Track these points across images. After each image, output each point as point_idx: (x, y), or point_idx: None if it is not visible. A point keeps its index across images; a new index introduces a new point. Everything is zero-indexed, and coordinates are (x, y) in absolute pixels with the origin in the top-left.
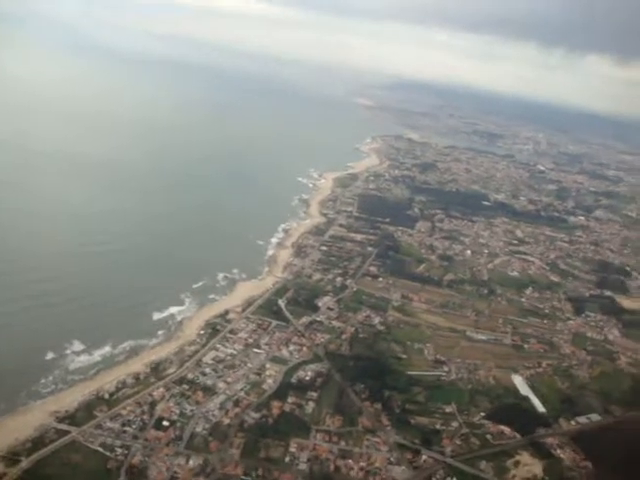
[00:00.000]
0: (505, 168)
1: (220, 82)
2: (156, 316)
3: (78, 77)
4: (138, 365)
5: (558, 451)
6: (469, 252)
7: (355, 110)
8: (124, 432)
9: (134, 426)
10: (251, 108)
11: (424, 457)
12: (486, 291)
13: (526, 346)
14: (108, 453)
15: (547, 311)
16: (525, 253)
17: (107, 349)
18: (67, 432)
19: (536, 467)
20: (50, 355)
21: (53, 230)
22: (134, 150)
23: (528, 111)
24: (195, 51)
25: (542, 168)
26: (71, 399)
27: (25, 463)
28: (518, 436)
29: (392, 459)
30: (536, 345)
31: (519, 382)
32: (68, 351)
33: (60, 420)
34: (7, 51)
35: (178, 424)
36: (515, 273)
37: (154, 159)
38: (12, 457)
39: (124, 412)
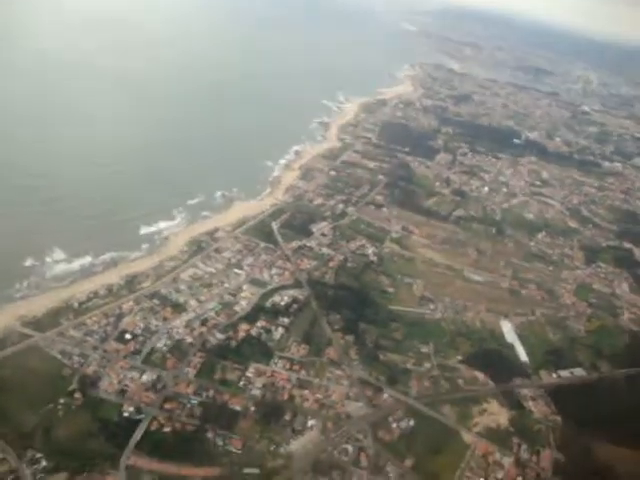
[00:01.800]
0: (546, 106)
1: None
2: (143, 230)
3: None
4: (114, 276)
5: (530, 403)
6: (486, 189)
7: (398, 35)
8: (85, 342)
9: (96, 336)
10: (293, 24)
11: (385, 395)
12: (494, 231)
13: (523, 292)
14: (65, 360)
15: (555, 258)
16: (546, 196)
17: (87, 259)
18: (30, 336)
19: (502, 417)
20: (29, 261)
21: (61, 138)
22: (162, 62)
23: (583, 47)
24: None
25: (586, 109)
26: (40, 305)
27: None
28: (491, 384)
29: (351, 394)
30: (534, 291)
31: (507, 328)
32: (48, 258)
33: (25, 324)
34: None
35: (140, 338)
36: (530, 215)
37: (183, 72)
38: None
39: (89, 322)
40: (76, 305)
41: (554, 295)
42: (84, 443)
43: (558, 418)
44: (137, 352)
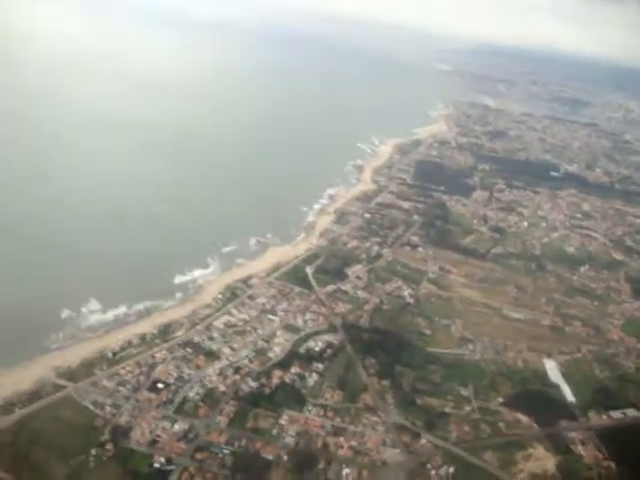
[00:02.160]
0: (585, 137)
1: (294, 45)
2: (178, 279)
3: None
4: (147, 326)
5: (579, 447)
6: (525, 224)
7: (432, 75)
8: (118, 391)
9: (129, 386)
10: (324, 70)
11: (423, 441)
12: (534, 266)
13: (567, 328)
14: (98, 411)
15: (600, 292)
16: (588, 228)
17: (122, 309)
18: (63, 387)
19: (549, 462)
20: (66, 312)
21: (93, 190)
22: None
23: (622, 77)
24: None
25: (628, 138)
26: (75, 355)
27: (17, 414)
28: (536, 427)
29: (387, 440)
30: (579, 328)
31: (551, 367)
32: (84, 309)
33: (60, 375)
34: None
35: (172, 387)
36: (572, 249)
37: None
38: (7, 407)
39: (123, 372)
40: (110, 355)
41: (600, 331)
42: None
43: (611, 464)
44: (169, 401)
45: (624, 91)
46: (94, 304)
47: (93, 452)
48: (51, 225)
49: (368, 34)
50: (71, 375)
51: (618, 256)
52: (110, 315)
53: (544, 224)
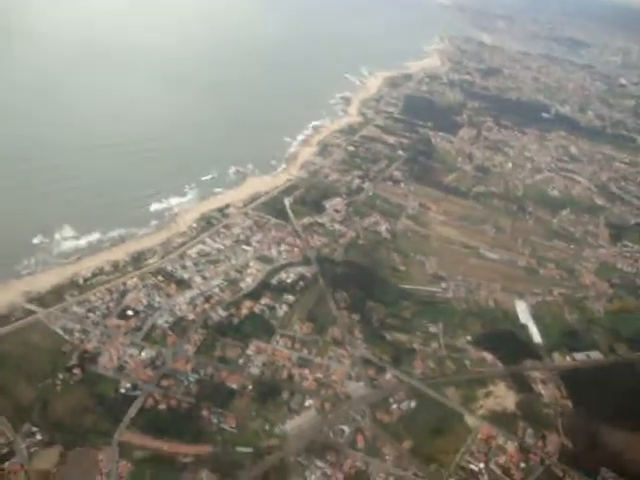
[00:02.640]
0: (580, 79)
1: None
2: (154, 207)
3: None
4: (121, 253)
5: (539, 386)
6: (510, 165)
7: (430, 8)
8: (87, 318)
9: (98, 313)
10: (324, 7)
11: (388, 376)
12: (515, 207)
13: (541, 271)
14: (66, 336)
15: (578, 236)
16: (573, 172)
17: (95, 236)
18: (33, 312)
19: (509, 400)
20: (39, 238)
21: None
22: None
23: (626, 17)
24: None
25: (624, 82)
26: (45, 281)
27: None
28: (500, 365)
29: (352, 374)
30: (553, 271)
31: (522, 308)
32: (57, 235)
33: (30, 300)
34: None
35: (142, 315)
36: (555, 192)
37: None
38: None
39: (93, 298)
40: (81, 281)
41: (574, 274)
42: (80, 418)
43: (569, 403)
44: (138, 329)
45: (627, 32)
46: (68, 230)
47: (60, 376)
48: (29, 148)
49: None
50: (41, 300)
51: (600, 201)
52: (83, 242)
53: (529, 165)
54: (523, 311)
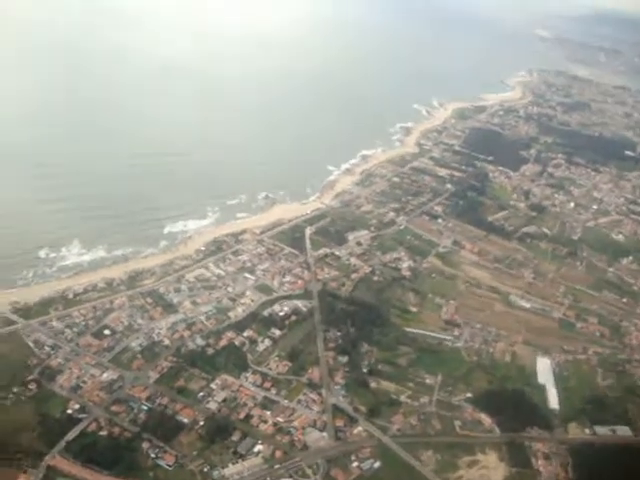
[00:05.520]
0: None
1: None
2: (169, 228)
3: None
4: (119, 271)
5: (540, 461)
6: (572, 205)
7: (528, 41)
8: (63, 333)
9: (75, 329)
10: (412, 30)
11: (359, 429)
12: (565, 252)
13: (579, 324)
14: (36, 350)
15: (636, 288)
16: None
17: (101, 253)
18: (14, 322)
19: (497, 474)
20: (45, 251)
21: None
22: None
23: None
24: None
25: None
26: (36, 294)
27: None
28: (497, 431)
29: (318, 422)
30: (593, 326)
31: (543, 366)
32: (64, 250)
33: (15, 311)
34: None
35: (118, 335)
36: (620, 237)
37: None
38: None
39: (76, 314)
40: (70, 296)
41: (619, 332)
42: (17, 436)
43: None
44: (109, 349)
45: None
46: (75, 245)
47: (15, 390)
48: (53, 165)
49: None
50: (26, 312)
51: None
52: (87, 257)
53: (595, 206)
54: (544, 370)
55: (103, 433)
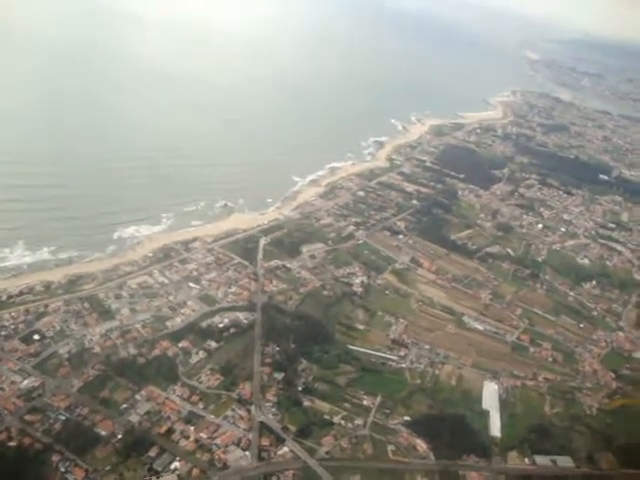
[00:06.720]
0: None
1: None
2: (118, 233)
3: None
4: (59, 275)
5: None
6: (540, 226)
7: (515, 62)
8: None
9: (4, 333)
10: (402, 45)
11: (285, 449)
12: (527, 273)
13: (532, 349)
14: None
15: (595, 314)
16: (617, 241)
17: (44, 255)
18: None
19: None
20: None
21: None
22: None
23: None
24: None
25: None
26: None
27: None
28: (432, 458)
29: (243, 441)
30: (546, 351)
31: (489, 391)
32: (7, 250)
33: None
34: None
35: (47, 341)
36: (585, 261)
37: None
38: None
39: (7, 317)
40: (4, 298)
41: (572, 358)
42: None
43: None
44: (36, 355)
45: None
46: (20, 247)
47: None
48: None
49: (472, 17)
50: None
51: None
52: (29, 259)
53: (563, 229)
54: (490, 395)
55: (12, 443)
